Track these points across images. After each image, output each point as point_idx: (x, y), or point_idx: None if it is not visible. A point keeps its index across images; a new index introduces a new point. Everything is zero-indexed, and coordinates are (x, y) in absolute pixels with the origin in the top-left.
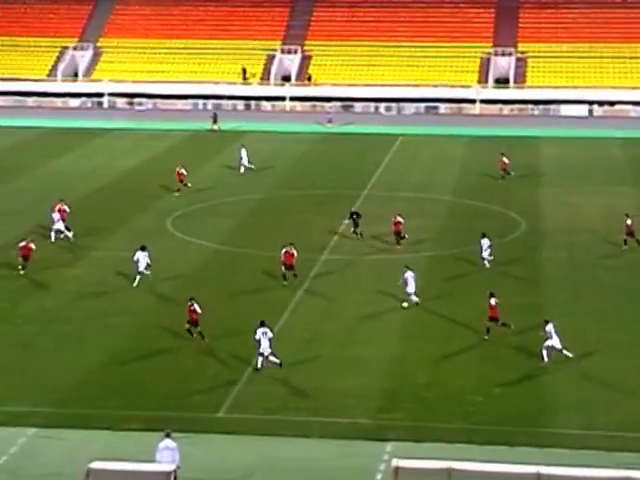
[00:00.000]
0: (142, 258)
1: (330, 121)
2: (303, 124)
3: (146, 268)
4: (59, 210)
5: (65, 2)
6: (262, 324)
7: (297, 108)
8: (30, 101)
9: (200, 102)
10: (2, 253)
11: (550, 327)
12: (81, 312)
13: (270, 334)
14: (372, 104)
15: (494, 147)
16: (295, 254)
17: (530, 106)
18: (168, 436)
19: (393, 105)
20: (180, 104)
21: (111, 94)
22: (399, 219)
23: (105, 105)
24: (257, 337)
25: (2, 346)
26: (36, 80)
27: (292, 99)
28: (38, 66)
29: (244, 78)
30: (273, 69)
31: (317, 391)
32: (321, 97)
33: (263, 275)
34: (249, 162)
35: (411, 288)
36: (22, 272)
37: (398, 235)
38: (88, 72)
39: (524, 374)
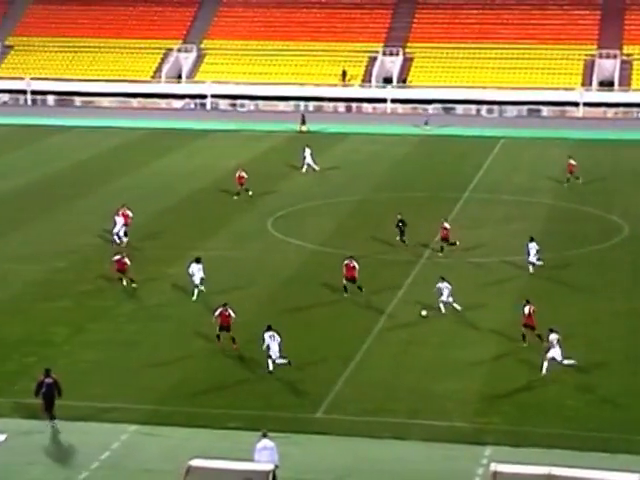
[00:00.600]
0: (197, 271)
1: (427, 123)
2: (403, 126)
3: (201, 282)
4: (122, 215)
5: (170, 5)
6: (269, 328)
7: (398, 110)
8: (135, 102)
9: (302, 104)
10: (106, 250)
11: (554, 337)
12: (181, 310)
13: (278, 338)
14: (473, 106)
15: (598, 150)
16: (356, 266)
17: (635, 109)
18: (265, 436)
19: (495, 108)
20: (282, 106)
21: (214, 95)
22: (446, 225)
23: (208, 106)
24: (266, 341)
25: (106, 344)
26: (141, 81)
27: (393, 101)
28: (143, 68)
29: (344, 80)
30: (374, 71)
31: (414, 393)
32: (422, 99)
33: (361, 276)
34: (314, 162)
35: (445, 297)
36: (126, 283)
37: (445, 241)
38: (191, 74)
39: (626, 381)
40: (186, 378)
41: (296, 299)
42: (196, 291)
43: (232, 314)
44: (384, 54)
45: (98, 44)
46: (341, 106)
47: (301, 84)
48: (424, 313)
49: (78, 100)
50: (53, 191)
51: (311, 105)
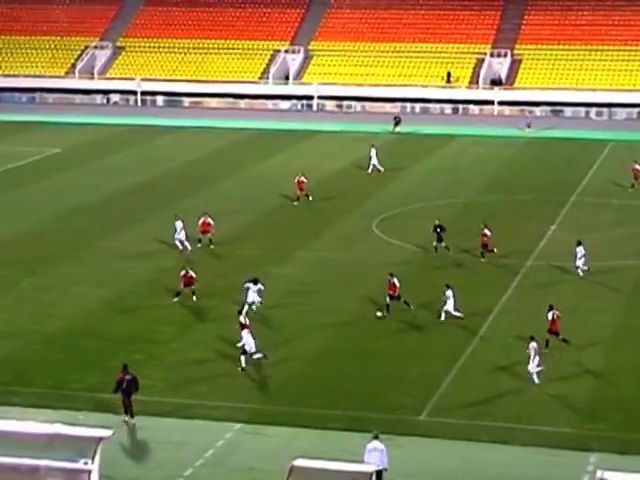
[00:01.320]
0: (251, 293)
1: (529, 126)
2: (510, 128)
3: (252, 304)
4: (203, 223)
5: (278, 6)
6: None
7: (505, 112)
8: (242, 103)
9: (408, 105)
10: (210, 251)
11: (533, 345)
12: (288, 310)
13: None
14: (582, 109)
15: None
16: (397, 283)
17: None
18: (376, 438)
19: (604, 110)
20: (388, 107)
21: (320, 97)
22: (486, 231)
23: (314, 108)
24: (242, 335)
25: (212, 342)
26: (248, 82)
27: (500, 103)
28: (250, 69)
29: (448, 82)
30: (482, 72)
31: (519, 398)
32: (530, 101)
33: (467, 278)
34: (379, 163)
35: (449, 306)
36: (196, 299)
37: (485, 248)
38: (299, 75)
39: None
40: (290, 378)
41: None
42: (245, 308)
43: (194, 275)
44: (492, 55)
45: (207, 45)
46: (447, 108)
47: (408, 85)
48: (379, 314)
49: (187, 101)
50: (161, 191)
51: (417, 107)
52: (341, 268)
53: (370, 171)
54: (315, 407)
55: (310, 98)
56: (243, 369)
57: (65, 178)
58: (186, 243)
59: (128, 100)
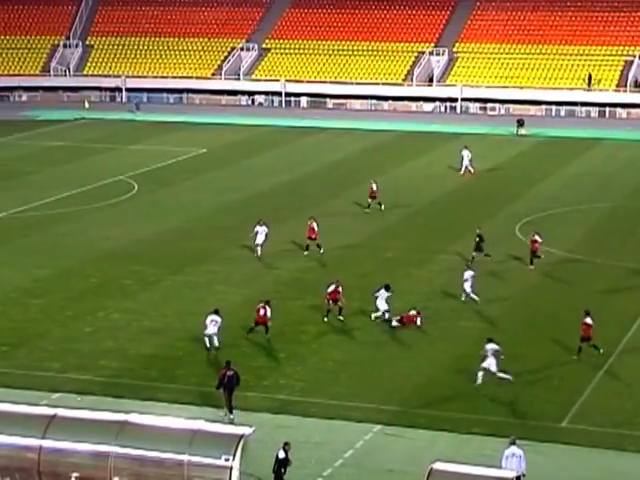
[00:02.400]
0: (380, 300)
1: None
2: None
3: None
4: (310, 227)
5: (424, 8)
6: (215, 312)
7: None
8: (385, 105)
9: (553, 108)
10: (353, 252)
11: (490, 347)
12: (430, 312)
13: (219, 323)
14: None
15: None
16: (591, 324)
17: None
18: (514, 443)
19: None
20: (532, 110)
21: (464, 99)
22: (537, 238)
23: (458, 110)
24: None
25: (353, 344)
26: (392, 84)
27: None
28: (395, 71)
29: (589, 84)
30: (630, 75)
31: None
32: None
33: (608, 285)
34: (471, 164)
35: (468, 287)
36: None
37: (534, 254)
38: (442, 77)
39: None
40: (431, 381)
41: (543, 305)
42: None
43: (268, 312)
44: None
45: (351, 47)
46: (593, 111)
47: (552, 88)
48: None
49: (330, 102)
50: (305, 192)
51: (563, 110)
52: (483, 271)
53: (462, 173)
54: (456, 411)
55: (454, 100)
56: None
57: (210, 178)
58: (258, 249)
59: (273, 101)
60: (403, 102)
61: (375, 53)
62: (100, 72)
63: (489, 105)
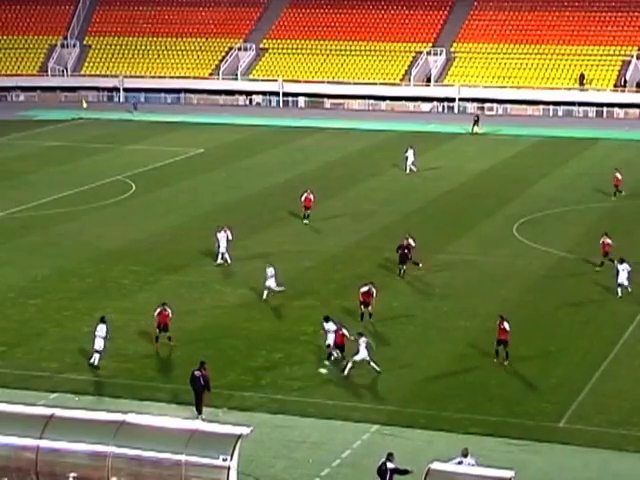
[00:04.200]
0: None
1: None
2: None
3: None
4: (306, 199)
5: (421, 8)
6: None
7: None
8: (383, 105)
9: (550, 108)
10: (351, 252)
11: (362, 340)
12: (426, 313)
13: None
14: None
15: None
16: (508, 328)
17: None
18: (466, 456)
19: None
20: (530, 110)
21: (462, 99)
22: (608, 241)
23: (455, 110)
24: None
25: (350, 343)
26: (390, 84)
27: None
28: (392, 71)
29: (581, 84)
30: (628, 75)
31: None
32: None
33: (606, 285)
34: (413, 164)
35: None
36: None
37: (605, 256)
38: (440, 77)
39: None
40: (428, 381)
41: (541, 305)
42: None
43: (170, 314)
44: (638, 58)
45: (349, 47)
46: (590, 111)
47: (550, 88)
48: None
49: (328, 102)
50: (300, 192)
51: (560, 109)
52: (481, 271)
53: (408, 172)
54: (453, 411)
55: (452, 100)
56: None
57: (208, 178)
58: (227, 256)
59: (270, 101)
60: (401, 102)
61: (373, 53)
62: (98, 72)
63: (487, 105)
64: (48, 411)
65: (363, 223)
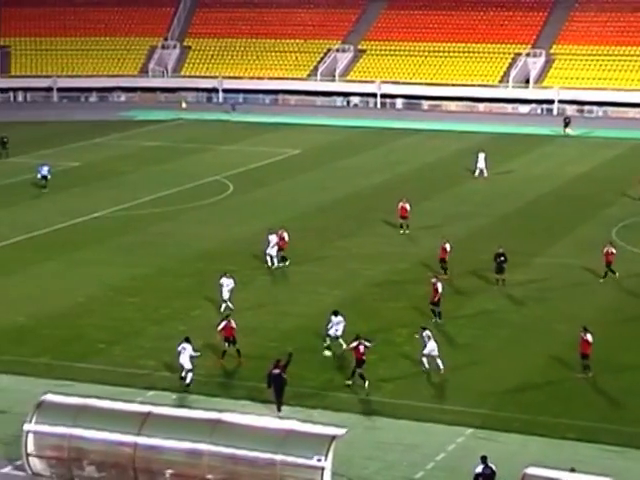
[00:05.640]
0: (184, 351)
1: None
2: None
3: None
4: (402, 208)
5: (520, 9)
6: (186, 340)
7: None
8: (481, 107)
9: None
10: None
11: (426, 334)
12: (522, 317)
13: (191, 351)
14: None
15: None
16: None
17: None
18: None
19: None
20: (632, 112)
21: (561, 101)
22: (611, 250)
23: (555, 112)
24: (177, 351)
25: (445, 346)
26: (488, 86)
27: None
28: (490, 72)
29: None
30: None
31: None
32: None
33: None
34: (486, 167)
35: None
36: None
37: (608, 266)
38: (539, 79)
39: None
40: (524, 385)
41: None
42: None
43: (234, 326)
44: None
45: (447, 49)
46: None
47: None
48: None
49: (425, 104)
50: (398, 193)
51: None
52: (579, 276)
53: (476, 175)
54: (549, 415)
55: (550, 102)
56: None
57: (305, 178)
58: (275, 260)
59: (368, 102)
60: (499, 104)
61: (471, 54)
62: (197, 73)
63: (586, 107)
64: (146, 408)
65: (459, 225)
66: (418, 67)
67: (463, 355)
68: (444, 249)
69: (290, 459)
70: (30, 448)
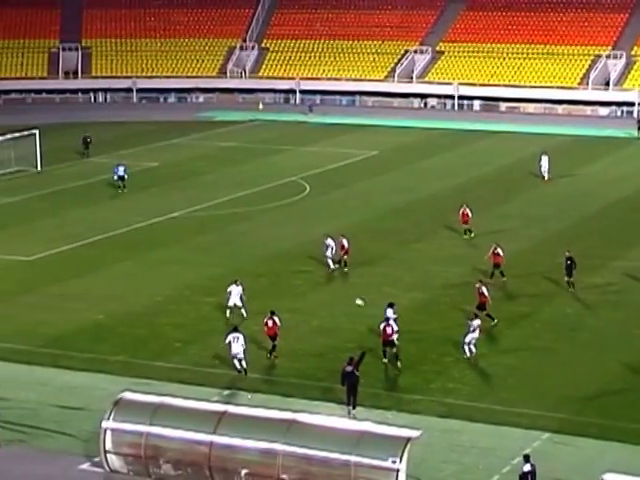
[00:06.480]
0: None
1: None
2: None
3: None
4: (463, 214)
5: (601, 10)
6: (235, 329)
7: None
8: (560, 109)
9: None
10: (523, 257)
11: (476, 323)
12: (600, 321)
13: (242, 340)
14: None
15: None
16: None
17: None
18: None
19: None
20: None
21: None
22: (498, 250)
23: (635, 114)
24: (227, 341)
25: (522, 349)
26: (567, 88)
27: None
28: (570, 74)
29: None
30: None
31: None
32: None
33: None
34: (547, 171)
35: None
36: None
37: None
38: (619, 81)
39: None
40: (602, 390)
41: None
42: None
43: (279, 323)
44: None
45: (526, 50)
46: None
47: None
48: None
49: (503, 106)
50: (475, 195)
51: None
52: None
53: (547, 179)
54: (628, 421)
55: (631, 105)
56: (239, 372)
57: (381, 180)
58: (329, 262)
59: (445, 104)
60: (578, 106)
61: (550, 56)
62: (275, 74)
63: None
64: (221, 407)
65: (537, 227)
66: (496, 69)
67: (540, 359)
68: (496, 254)
69: (364, 460)
70: (108, 445)
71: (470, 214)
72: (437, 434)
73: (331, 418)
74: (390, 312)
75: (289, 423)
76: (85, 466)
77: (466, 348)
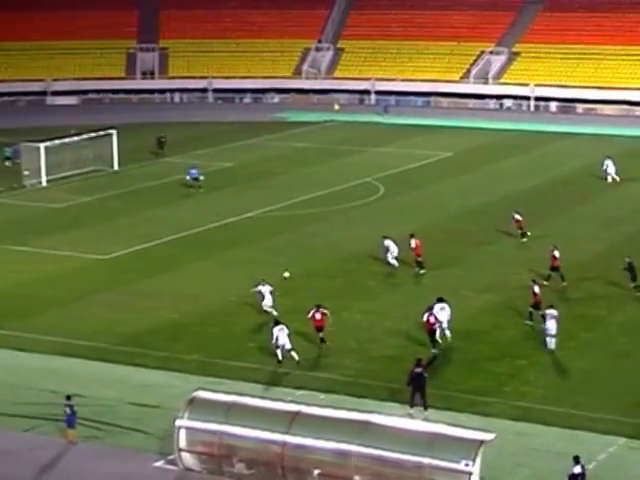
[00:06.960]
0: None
1: None
2: None
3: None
4: (552, 257)
5: None
6: (277, 323)
7: None
8: (638, 110)
9: None
10: (597, 260)
11: (551, 312)
12: None
13: (287, 330)
14: None
15: None
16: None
17: None
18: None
19: None
20: None
21: None
22: (555, 253)
23: None
24: (275, 334)
25: (597, 353)
26: None
27: None
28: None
29: None
30: None
31: None
32: None
33: None
34: (615, 173)
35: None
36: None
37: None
38: None
39: None
40: None
41: None
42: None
43: (327, 314)
44: None
45: (604, 51)
46: None
47: None
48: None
49: (580, 107)
50: (550, 197)
51: None
52: None
53: (610, 181)
54: None
55: None
56: (279, 362)
57: (455, 181)
58: (391, 262)
59: (521, 105)
60: None
61: (628, 57)
62: (350, 75)
63: None
64: (295, 407)
65: (611, 231)
66: (573, 70)
67: (616, 363)
68: (554, 257)
69: (438, 462)
70: (182, 443)
71: (521, 218)
72: (510, 437)
73: (405, 420)
74: (438, 307)
75: (362, 424)
76: (160, 463)
77: (547, 340)
